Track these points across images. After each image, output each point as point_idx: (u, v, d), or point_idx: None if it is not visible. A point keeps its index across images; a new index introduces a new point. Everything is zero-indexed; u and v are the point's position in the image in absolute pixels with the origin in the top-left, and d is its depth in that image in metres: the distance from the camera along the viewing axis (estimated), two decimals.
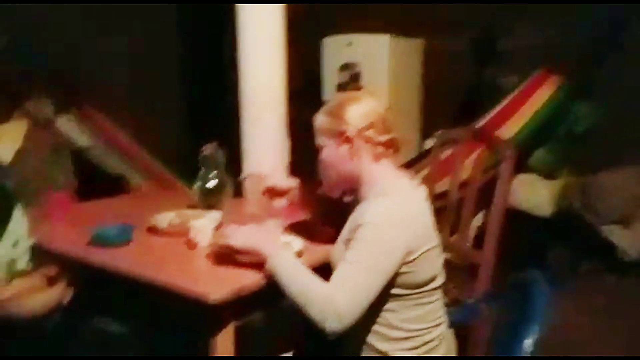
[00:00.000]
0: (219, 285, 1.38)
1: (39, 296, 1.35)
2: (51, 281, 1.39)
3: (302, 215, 1.87)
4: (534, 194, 3.73)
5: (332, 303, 1.26)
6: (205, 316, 1.38)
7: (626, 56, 3.68)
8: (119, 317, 1.81)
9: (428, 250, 1.39)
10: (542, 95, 3.82)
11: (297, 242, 1.63)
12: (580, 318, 2.91)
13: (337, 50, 4.38)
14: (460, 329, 1.61)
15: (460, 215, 2.33)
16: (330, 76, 4.42)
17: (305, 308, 1.29)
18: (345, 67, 4.32)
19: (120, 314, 1.81)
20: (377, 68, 4.22)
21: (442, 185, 2.55)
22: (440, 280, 1.45)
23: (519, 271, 1.49)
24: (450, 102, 4.48)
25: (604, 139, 3.70)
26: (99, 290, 1.63)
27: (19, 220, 1.59)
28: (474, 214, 2.36)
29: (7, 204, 1.58)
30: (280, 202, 1.82)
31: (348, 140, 1.45)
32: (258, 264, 1.44)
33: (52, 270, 1.42)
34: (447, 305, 1.52)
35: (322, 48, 4.44)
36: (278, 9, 2.40)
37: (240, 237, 1.47)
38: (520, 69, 4.07)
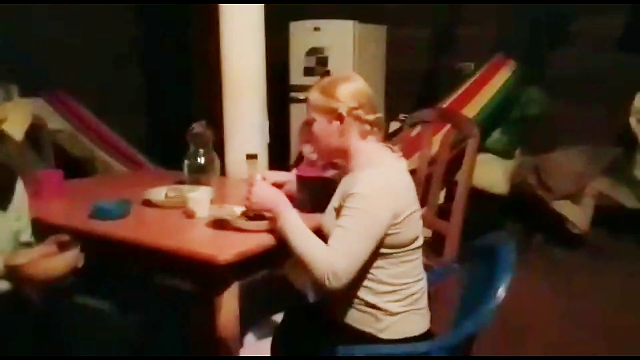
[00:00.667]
0: (224, 248, 1.52)
1: (54, 260, 1.44)
2: (64, 247, 1.48)
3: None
4: (490, 172, 3.94)
5: (330, 265, 1.43)
6: (212, 276, 1.51)
7: (572, 47, 3.97)
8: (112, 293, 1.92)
9: (411, 213, 1.55)
10: (498, 80, 4.05)
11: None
12: (530, 283, 3.17)
13: (304, 35, 4.50)
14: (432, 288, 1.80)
15: (428, 190, 2.50)
16: (297, 60, 4.54)
17: (309, 267, 1.46)
18: (312, 51, 4.46)
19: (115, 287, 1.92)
20: (342, 53, 4.37)
21: (411, 163, 2.72)
22: (420, 241, 1.62)
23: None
24: (411, 86, 4.69)
25: (551, 121, 4.00)
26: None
27: (20, 195, 1.67)
28: (441, 189, 2.53)
29: (10, 179, 1.66)
30: None
31: (340, 117, 1.58)
32: (257, 231, 1.58)
33: (64, 237, 1.51)
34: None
35: (289, 32, 4.55)
36: None
37: (258, 196, 1.62)
38: (476, 56, 4.31)
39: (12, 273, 1.42)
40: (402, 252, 1.55)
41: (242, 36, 2.49)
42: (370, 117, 1.60)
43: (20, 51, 3.74)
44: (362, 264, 1.47)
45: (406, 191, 1.57)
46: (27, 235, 1.68)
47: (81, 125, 4.00)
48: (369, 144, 1.61)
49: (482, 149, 4.03)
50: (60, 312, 1.61)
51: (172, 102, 5.28)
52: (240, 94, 2.50)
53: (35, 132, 3.08)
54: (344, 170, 1.68)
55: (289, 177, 2.01)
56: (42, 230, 1.68)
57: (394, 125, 4.10)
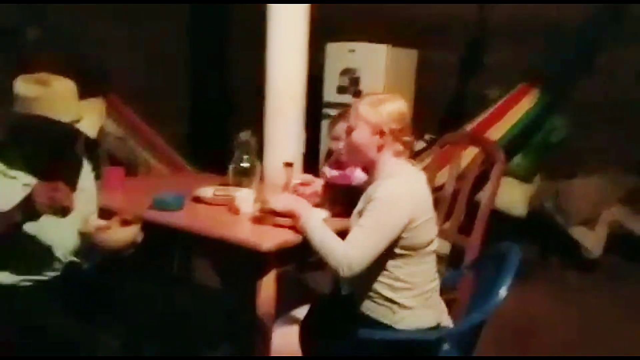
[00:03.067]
0: (266, 239, 1.77)
1: (120, 231, 1.70)
2: (127, 223, 1.74)
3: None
4: (509, 194, 4.10)
5: (345, 256, 1.66)
6: (253, 263, 1.76)
7: (598, 76, 4.15)
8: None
9: (426, 220, 1.76)
10: (522, 107, 4.23)
11: (323, 213, 2.02)
12: (543, 303, 3.35)
13: (339, 55, 4.78)
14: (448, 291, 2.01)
15: (452, 206, 2.66)
16: (332, 79, 4.82)
17: (326, 258, 1.69)
18: (346, 71, 4.73)
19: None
20: (374, 74, 4.63)
21: (439, 178, 2.90)
22: (434, 245, 1.82)
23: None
24: (438, 109, 4.91)
25: (572, 147, 4.17)
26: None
27: (88, 179, 1.93)
28: (465, 206, 2.68)
29: (78, 167, 1.91)
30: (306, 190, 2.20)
31: (381, 133, 1.77)
32: (291, 227, 1.83)
33: (128, 214, 1.77)
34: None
35: (325, 53, 4.83)
36: (304, 11, 2.73)
37: (281, 202, 1.87)
38: (502, 82, 4.51)
39: (83, 239, 1.66)
40: (417, 254, 1.76)
41: (286, 55, 2.75)
42: (406, 139, 1.80)
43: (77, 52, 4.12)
44: (374, 258, 1.68)
45: (423, 199, 1.77)
46: (94, 218, 1.95)
47: (129, 128, 4.30)
48: (393, 160, 1.80)
49: (504, 172, 4.21)
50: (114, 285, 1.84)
51: (213, 110, 5.63)
52: (281, 106, 2.76)
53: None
54: (369, 180, 1.89)
55: (318, 180, 2.24)
56: (107, 217, 1.95)
57: (419, 145, 4.32)
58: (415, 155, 3.94)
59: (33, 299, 1.66)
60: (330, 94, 4.82)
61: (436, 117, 4.79)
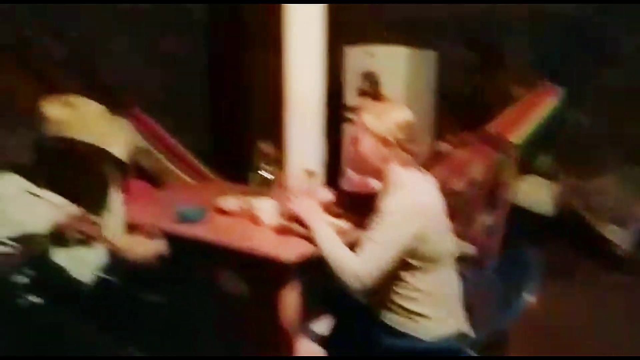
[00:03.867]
0: (288, 250, 1.79)
1: (145, 243, 1.73)
2: (151, 236, 1.77)
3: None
4: (535, 192, 4.05)
5: (354, 270, 1.67)
6: (276, 273, 1.78)
7: (618, 66, 4.08)
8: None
9: (439, 230, 1.74)
10: (545, 105, 4.19)
11: (342, 223, 2.03)
12: (571, 301, 3.29)
13: (357, 59, 4.77)
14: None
15: (473, 209, 2.66)
16: (351, 83, 4.81)
17: (337, 271, 1.70)
18: (366, 75, 4.73)
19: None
20: (394, 76, 4.61)
21: (456, 183, 2.91)
22: (453, 252, 1.81)
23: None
24: (459, 109, 4.88)
25: (595, 144, 4.10)
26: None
27: (115, 197, 1.97)
28: (484, 209, 2.67)
29: (105, 187, 1.95)
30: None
31: (388, 144, 1.77)
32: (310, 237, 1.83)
33: (153, 228, 1.80)
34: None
35: (343, 56, 4.83)
36: (320, 16, 2.71)
37: (298, 206, 1.88)
38: (524, 79, 4.46)
39: (110, 253, 1.69)
40: (435, 263, 1.74)
41: (305, 61, 2.75)
42: (413, 147, 1.79)
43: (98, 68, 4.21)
44: (385, 272, 1.67)
45: (434, 210, 1.75)
46: (119, 232, 1.98)
47: (152, 139, 4.37)
48: (401, 169, 1.79)
49: (528, 170, 4.18)
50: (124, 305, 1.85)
51: (234, 121, 5.68)
52: (301, 114, 2.75)
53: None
54: (378, 189, 1.88)
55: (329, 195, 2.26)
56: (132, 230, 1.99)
57: (441, 146, 4.29)
58: (435, 157, 3.93)
59: (64, 316, 1.69)
60: (350, 98, 4.82)
61: (457, 118, 4.76)
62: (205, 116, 5.56)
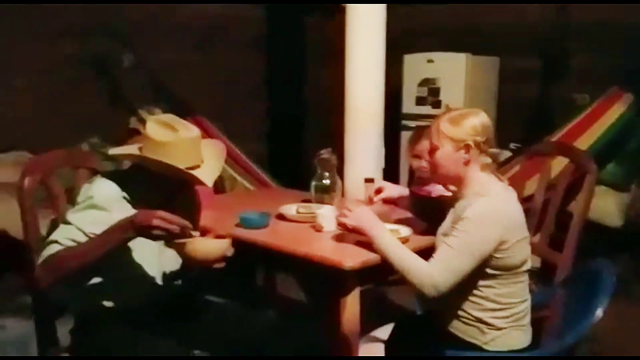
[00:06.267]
0: (349, 257, 1.79)
1: (212, 243, 1.71)
2: (219, 237, 1.79)
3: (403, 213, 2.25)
4: (603, 204, 3.90)
5: (430, 275, 1.65)
6: (336, 281, 1.78)
7: None
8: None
9: (519, 240, 1.70)
10: (613, 113, 4.01)
11: (405, 230, 2.01)
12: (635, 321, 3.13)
13: (416, 66, 4.74)
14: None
15: (542, 218, 2.55)
16: (410, 90, 4.79)
17: (407, 277, 1.68)
18: (424, 82, 4.69)
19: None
20: (454, 84, 4.55)
21: (527, 190, 2.79)
22: (528, 265, 1.76)
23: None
24: (522, 116, 4.75)
25: None
26: None
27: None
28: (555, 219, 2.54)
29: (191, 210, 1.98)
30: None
31: (467, 148, 1.74)
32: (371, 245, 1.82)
33: (219, 232, 1.83)
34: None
35: (403, 64, 4.81)
36: (381, 24, 2.75)
37: (354, 218, 1.86)
38: (589, 86, 4.31)
39: (176, 249, 1.69)
40: (510, 274, 1.71)
41: (365, 70, 2.77)
42: (492, 150, 1.77)
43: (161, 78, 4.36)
44: (461, 279, 1.65)
45: (515, 219, 1.73)
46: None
47: None
48: (481, 174, 1.77)
49: (597, 181, 4.01)
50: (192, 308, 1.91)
51: (291, 127, 5.75)
52: (361, 123, 2.77)
53: None
54: (455, 195, 1.88)
55: (402, 192, 2.21)
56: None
57: (505, 155, 4.19)
58: (501, 166, 3.84)
59: (135, 321, 1.74)
60: (408, 105, 4.79)
61: (521, 126, 4.64)
62: (266, 125, 5.66)
